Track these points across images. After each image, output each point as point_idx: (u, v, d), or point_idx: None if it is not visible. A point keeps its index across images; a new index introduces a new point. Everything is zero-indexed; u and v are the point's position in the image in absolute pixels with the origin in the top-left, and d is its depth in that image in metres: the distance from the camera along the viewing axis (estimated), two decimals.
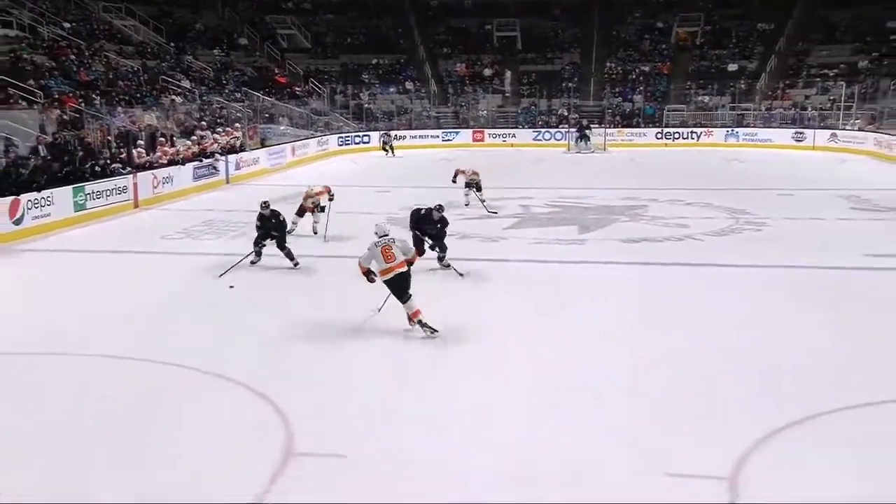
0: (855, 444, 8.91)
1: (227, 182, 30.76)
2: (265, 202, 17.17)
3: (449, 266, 16.20)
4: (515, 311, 14.10)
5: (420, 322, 11.97)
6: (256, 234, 16.98)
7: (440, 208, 16.08)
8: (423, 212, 16.24)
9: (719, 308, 14.21)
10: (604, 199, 25.90)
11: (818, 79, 46.75)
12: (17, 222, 19.93)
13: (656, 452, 8.75)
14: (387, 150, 43.02)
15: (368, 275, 12.31)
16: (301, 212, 20.85)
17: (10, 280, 16.53)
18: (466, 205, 24.17)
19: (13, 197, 19.93)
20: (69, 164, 23.86)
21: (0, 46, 32.84)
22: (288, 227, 19.17)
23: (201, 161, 29.76)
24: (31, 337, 13.06)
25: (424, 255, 16.20)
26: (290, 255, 17.05)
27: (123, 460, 9.27)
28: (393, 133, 44.16)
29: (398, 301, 12.14)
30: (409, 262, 12.15)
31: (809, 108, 44.67)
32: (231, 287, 15.07)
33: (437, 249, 16.30)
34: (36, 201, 20.72)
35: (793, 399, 9.98)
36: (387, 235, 12.21)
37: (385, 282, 12.03)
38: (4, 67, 30.13)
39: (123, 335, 13.18)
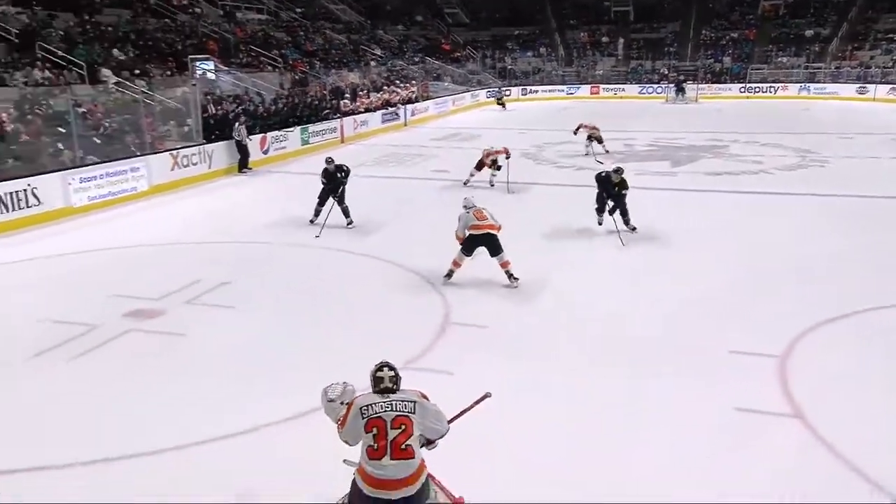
0: (884, 335, 8.76)
1: (405, 125, 31.25)
2: (329, 157, 14.04)
3: (635, 229, 12.99)
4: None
5: (507, 272, 10.30)
6: (321, 189, 13.75)
7: (618, 171, 12.83)
8: (603, 175, 13.02)
9: (782, 226, 13.79)
10: (693, 140, 25.21)
11: (883, 42, 43.49)
12: (265, 152, 21.39)
13: (724, 331, 8.78)
14: (501, 105, 41.08)
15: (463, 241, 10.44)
16: (479, 166, 17.41)
17: (261, 192, 17.63)
18: (586, 154, 21.75)
19: (262, 134, 21.34)
20: (299, 111, 24.99)
21: (254, 26, 34.50)
22: (465, 179, 17.76)
23: (387, 109, 30.60)
24: (275, 232, 13.73)
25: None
26: (346, 212, 13.83)
27: (343, 320, 9.64)
28: (504, 90, 43.10)
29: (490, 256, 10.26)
30: (497, 228, 10.20)
31: (873, 67, 41.71)
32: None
33: (619, 213, 13.03)
34: (277, 137, 22.18)
35: (835, 298, 9.74)
36: (472, 206, 10.35)
37: (475, 236, 10.12)
38: (257, 41, 31.79)
39: (337, 234, 13.38)
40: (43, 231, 13.68)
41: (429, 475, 4.54)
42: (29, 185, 14.03)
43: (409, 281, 10.87)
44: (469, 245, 10.28)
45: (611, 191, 13.03)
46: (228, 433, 6.60)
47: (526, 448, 6.30)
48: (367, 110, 29.03)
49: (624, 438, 6.55)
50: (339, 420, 4.65)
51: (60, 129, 16.23)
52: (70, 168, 15.21)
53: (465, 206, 10.51)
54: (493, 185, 17.60)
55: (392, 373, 4.57)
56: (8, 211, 13.58)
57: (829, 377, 7.72)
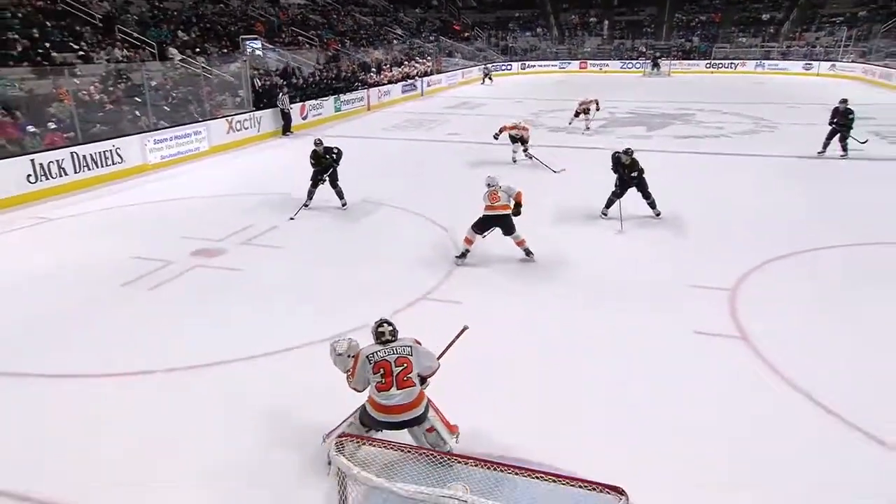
0: (821, 271, 8.95)
1: (422, 95, 30.98)
2: (318, 139, 11.85)
3: (659, 214, 11.02)
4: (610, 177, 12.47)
5: (525, 249, 9.14)
6: (312, 171, 11.67)
7: (627, 151, 10.60)
8: (614, 156, 10.74)
9: (738, 181, 13.79)
10: (665, 109, 24.85)
11: (827, 25, 42.46)
12: (304, 118, 21.25)
13: (685, 270, 8.80)
14: (489, 79, 38.93)
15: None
16: (501, 131, 15.30)
17: (301, 152, 17.11)
18: (570, 124, 20.54)
19: (301, 103, 21.22)
20: (332, 83, 24.83)
21: (295, 10, 34.00)
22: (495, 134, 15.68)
23: (407, 81, 30.33)
24: (308, 184, 13.03)
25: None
26: (340, 194, 11.82)
27: (372, 257, 9.90)
28: (491, 66, 41.48)
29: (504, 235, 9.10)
30: (517, 201, 9.03)
31: (818, 47, 41.02)
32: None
33: (642, 195, 10.86)
34: (314, 105, 22.06)
35: (781, 241, 9.77)
36: (493, 185, 8.95)
37: (488, 217, 8.79)
38: (297, 23, 31.36)
39: (363, 186, 13.26)
40: (125, 184, 13.79)
41: (429, 401, 4.71)
42: (113, 146, 14.11)
43: (426, 227, 10.90)
44: (481, 224, 8.94)
45: (623, 174, 10.76)
46: (280, 348, 6.79)
47: (514, 365, 6.47)
48: (389, 82, 28.79)
49: (598, 358, 6.71)
50: (348, 371, 4.81)
51: (137, 98, 16.24)
52: (146, 132, 15.25)
53: (487, 184, 9.13)
54: (514, 161, 15.50)
55: (391, 327, 4.76)
56: (98, 167, 13.67)
57: (773, 306, 7.82)
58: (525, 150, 15.39)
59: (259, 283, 8.58)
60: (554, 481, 3.46)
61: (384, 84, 28.18)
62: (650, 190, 10.87)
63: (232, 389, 6.10)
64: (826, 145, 15.80)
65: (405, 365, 4.56)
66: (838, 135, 15.51)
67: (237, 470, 4.94)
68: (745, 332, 7.13)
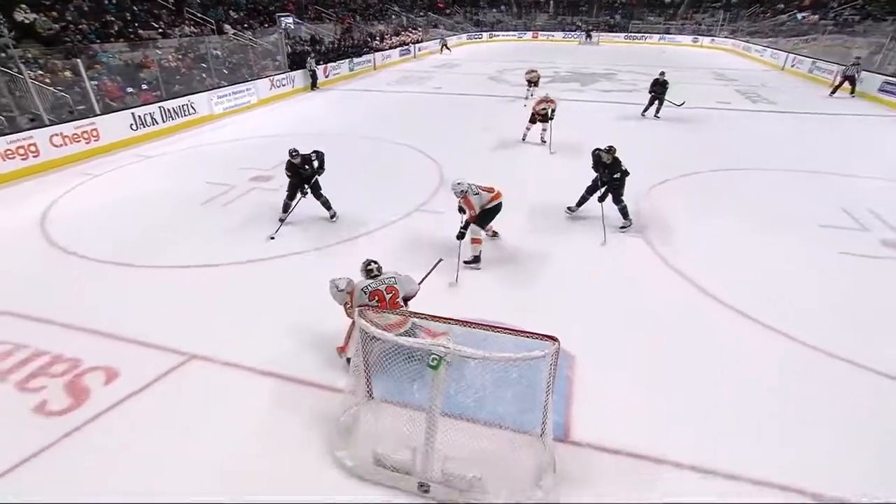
0: (697, 189, 8.98)
1: (415, 57, 29.37)
2: (293, 150, 7.39)
3: (629, 225, 7.39)
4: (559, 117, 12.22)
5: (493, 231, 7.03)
6: (289, 183, 7.61)
7: (610, 150, 7.17)
8: (594, 153, 7.37)
9: (642, 125, 13.39)
10: (595, 69, 24.03)
11: (710, 8, 40.35)
12: (327, 76, 20.29)
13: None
14: (446, 48, 33.25)
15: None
16: (533, 119, 11.28)
17: (326, 102, 16.86)
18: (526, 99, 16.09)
19: (324, 65, 20.25)
20: (347, 49, 23.77)
21: None
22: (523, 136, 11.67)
23: (403, 47, 28.80)
24: (337, 126, 13.33)
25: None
26: (326, 205, 7.68)
27: (381, 178, 9.68)
28: (447, 38, 36.91)
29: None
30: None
31: (703, 25, 39.25)
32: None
33: (612, 199, 7.32)
34: (334, 67, 20.96)
35: (672, 168, 9.77)
36: (471, 185, 6.26)
37: (490, 208, 6.31)
38: (320, 1, 29.31)
39: (370, 126, 13.11)
40: (198, 130, 13.38)
41: (414, 320, 4.31)
42: (188, 101, 13.60)
43: (418, 156, 10.72)
44: (484, 218, 6.41)
45: (602, 175, 7.34)
46: (313, 246, 6.98)
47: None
48: (390, 48, 27.31)
49: (545, 253, 6.90)
50: (346, 303, 4.57)
51: (203, 64, 15.56)
52: (210, 89, 14.65)
53: (462, 191, 6.22)
54: (544, 142, 11.28)
55: (376, 264, 4.64)
56: (178, 117, 13.24)
57: (664, 212, 7.98)
58: (542, 128, 11.30)
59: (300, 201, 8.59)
60: (513, 334, 3.73)
61: (386, 49, 26.76)
62: (624, 195, 7.34)
63: (285, 276, 6.29)
64: (647, 109, 14.21)
65: (393, 292, 4.51)
66: (657, 101, 13.98)
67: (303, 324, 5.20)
68: (645, 232, 7.36)
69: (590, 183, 7.62)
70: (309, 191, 7.54)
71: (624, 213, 7.42)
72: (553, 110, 11.12)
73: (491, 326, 3.91)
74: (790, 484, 3.70)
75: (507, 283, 6.10)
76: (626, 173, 7.18)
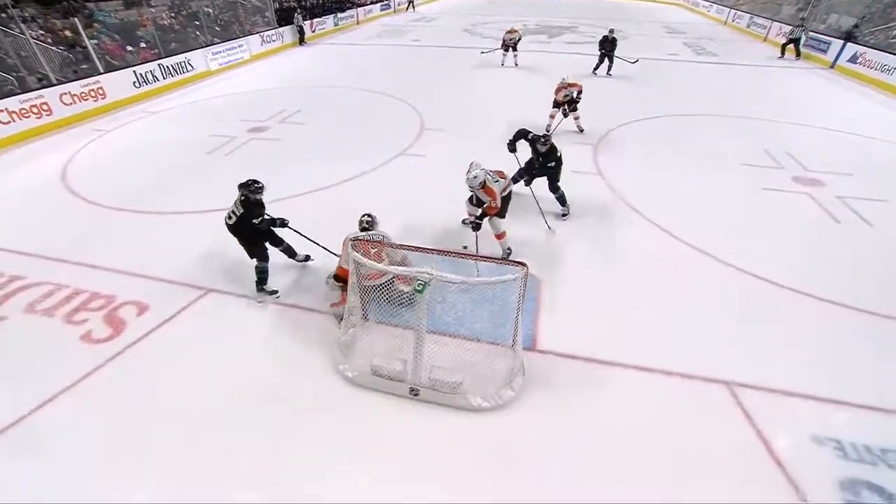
0: (645, 133, 8.73)
1: (395, 12, 27.47)
2: (248, 184, 4.50)
3: (566, 215, 6.05)
4: (527, 65, 12.84)
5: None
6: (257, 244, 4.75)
7: (546, 141, 5.70)
8: (530, 137, 5.82)
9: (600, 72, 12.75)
10: (561, 23, 22.79)
11: None
12: (314, 31, 19.05)
13: (559, 132, 8.44)
14: (412, 7, 29.61)
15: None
16: (556, 105, 8.49)
17: (312, 58, 15.91)
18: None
19: (311, 20, 18.99)
20: (332, 4, 22.19)
21: None
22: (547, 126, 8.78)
23: (383, 2, 26.84)
24: (324, 78, 12.68)
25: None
26: (289, 252, 5.06)
27: (367, 127, 9.37)
28: None
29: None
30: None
31: None
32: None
33: (549, 187, 6.02)
34: (319, 22, 19.63)
35: (623, 114, 9.61)
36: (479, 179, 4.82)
37: (506, 196, 5.10)
38: None
39: (355, 78, 12.50)
40: (197, 85, 12.58)
41: (392, 270, 3.72)
42: (186, 58, 12.69)
43: (401, 105, 10.33)
44: (504, 207, 5.12)
45: (537, 161, 5.89)
46: (308, 189, 6.79)
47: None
48: (371, 3, 25.53)
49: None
50: (340, 255, 4.53)
51: (196, 22, 14.45)
52: (206, 46, 13.65)
53: (481, 182, 4.79)
54: (581, 130, 8.72)
55: (369, 218, 4.54)
56: (177, 74, 12.40)
57: (616, 154, 7.94)
58: (574, 117, 8.67)
59: (294, 148, 8.32)
60: (484, 260, 3.78)
61: (368, 4, 25.08)
62: (560, 183, 6.01)
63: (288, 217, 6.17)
64: (597, 67, 12.79)
65: (378, 246, 4.37)
66: (607, 59, 12.67)
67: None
68: (601, 172, 7.33)
69: (524, 164, 6.09)
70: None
71: (562, 200, 6.04)
72: (579, 93, 8.40)
73: (469, 255, 3.95)
74: (712, 376, 3.93)
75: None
76: (560, 161, 5.85)
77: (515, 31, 13.75)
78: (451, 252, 3.86)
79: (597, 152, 7.97)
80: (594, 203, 6.40)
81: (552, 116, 8.71)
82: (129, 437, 3.48)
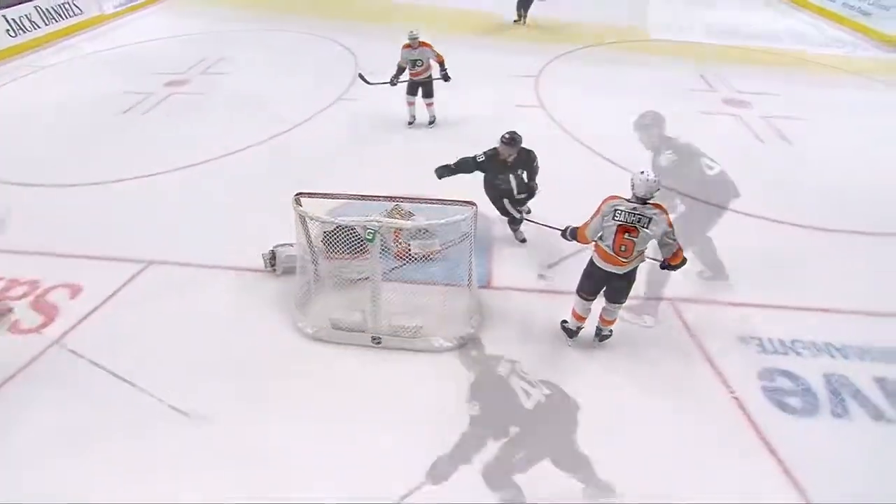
0: (582, 68, 9.05)
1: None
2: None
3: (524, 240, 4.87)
4: None
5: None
6: None
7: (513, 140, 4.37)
8: (480, 159, 4.36)
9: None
10: None
11: None
12: None
13: (504, 64, 8.62)
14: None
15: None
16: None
17: None
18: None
19: None
20: None
21: None
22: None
23: None
24: (246, 26, 11.75)
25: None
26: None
27: (285, 70, 9.04)
28: None
29: None
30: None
31: None
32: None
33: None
34: None
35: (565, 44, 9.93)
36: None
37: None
38: None
39: (274, 15, 11.76)
40: (91, 33, 11.18)
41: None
42: None
43: (331, 46, 9.82)
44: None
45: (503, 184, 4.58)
46: (248, 144, 6.50)
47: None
48: None
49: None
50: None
51: None
52: None
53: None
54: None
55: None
56: (63, 18, 10.91)
57: (558, 84, 8.09)
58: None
59: (221, 99, 7.88)
60: (438, 203, 3.83)
61: None
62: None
63: (221, 178, 5.91)
64: (520, 14, 11.19)
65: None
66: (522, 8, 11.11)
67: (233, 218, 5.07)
68: (543, 103, 7.43)
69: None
70: None
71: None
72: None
73: (417, 199, 3.99)
74: (661, 294, 4.24)
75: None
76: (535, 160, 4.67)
77: None
78: (397, 198, 3.90)
79: (538, 83, 8.09)
80: (538, 134, 6.42)
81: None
82: (79, 426, 3.33)
